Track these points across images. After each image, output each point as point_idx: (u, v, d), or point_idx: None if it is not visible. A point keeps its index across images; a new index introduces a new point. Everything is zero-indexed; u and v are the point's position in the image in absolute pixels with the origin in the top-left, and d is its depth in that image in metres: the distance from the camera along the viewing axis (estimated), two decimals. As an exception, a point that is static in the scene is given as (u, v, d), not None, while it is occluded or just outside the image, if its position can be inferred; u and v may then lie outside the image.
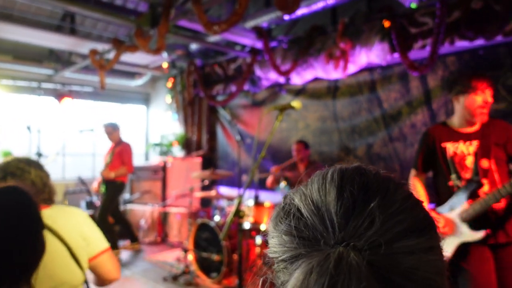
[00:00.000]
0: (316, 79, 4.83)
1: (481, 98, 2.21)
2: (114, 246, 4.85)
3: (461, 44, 3.45)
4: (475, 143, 2.22)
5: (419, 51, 3.72)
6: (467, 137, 2.26)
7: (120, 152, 5.04)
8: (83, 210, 5.81)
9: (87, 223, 1.59)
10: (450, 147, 2.30)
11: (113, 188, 4.95)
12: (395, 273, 0.37)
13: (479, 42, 3.36)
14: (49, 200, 1.59)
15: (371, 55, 3.95)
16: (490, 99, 2.22)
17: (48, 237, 1.44)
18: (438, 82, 3.92)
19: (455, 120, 2.35)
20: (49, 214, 1.50)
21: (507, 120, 2.42)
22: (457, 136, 2.29)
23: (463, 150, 2.25)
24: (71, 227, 1.52)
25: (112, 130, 5.12)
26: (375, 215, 0.40)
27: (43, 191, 1.55)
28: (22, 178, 1.51)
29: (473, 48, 3.60)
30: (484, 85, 2.22)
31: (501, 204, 2.09)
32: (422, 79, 4.03)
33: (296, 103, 1.95)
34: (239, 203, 2.02)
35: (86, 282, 1.58)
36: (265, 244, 0.49)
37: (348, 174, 0.45)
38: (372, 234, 0.38)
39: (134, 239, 5.37)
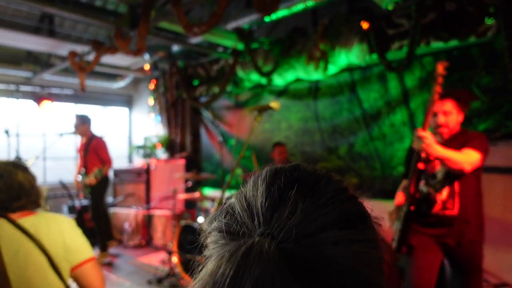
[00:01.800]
0: (297, 80, 4.88)
1: (436, 120, 2.30)
2: (111, 238, 5.01)
3: (436, 44, 3.54)
4: None
5: (397, 52, 3.81)
6: None
7: (95, 148, 4.88)
8: (65, 214, 5.69)
9: (71, 232, 1.54)
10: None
11: (96, 188, 4.88)
12: (314, 262, 0.37)
13: (454, 43, 3.46)
14: (36, 204, 1.55)
15: (350, 55, 4.02)
16: (442, 119, 2.28)
17: (29, 246, 1.41)
18: (415, 82, 4.01)
19: None
20: (32, 222, 1.47)
21: (482, 118, 2.50)
22: None
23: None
24: (54, 236, 1.47)
25: (79, 123, 4.88)
26: (297, 206, 0.40)
27: (31, 193, 1.52)
28: (10, 179, 1.48)
29: (448, 49, 3.71)
30: (439, 106, 2.30)
31: (454, 211, 2.20)
32: (400, 79, 4.12)
33: (274, 104, 1.97)
34: (220, 203, 2.04)
35: None
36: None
37: (280, 171, 0.47)
38: (292, 225, 0.39)
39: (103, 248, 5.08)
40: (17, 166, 1.54)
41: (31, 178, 1.55)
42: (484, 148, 2.17)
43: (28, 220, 1.47)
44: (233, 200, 0.47)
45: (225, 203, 0.49)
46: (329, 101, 4.79)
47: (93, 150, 4.89)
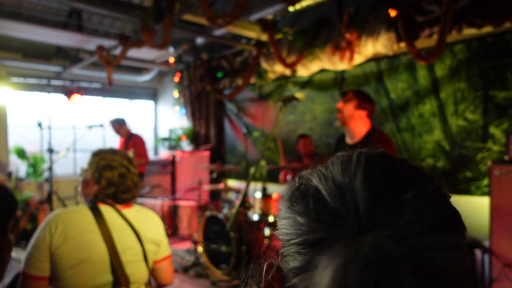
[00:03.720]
0: (322, 71, 4.81)
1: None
2: None
3: (469, 31, 3.40)
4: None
5: (426, 40, 3.67)
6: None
7: (134, 145, 5.08)
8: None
9: (161, 228, 1.67)
10: None
11: None
12: (422, 268, 0.33)
13: (488, 29, 3.31)
14: (136, 197, 1.67)
15: (377, 45, 3.91)
16: (338, 105, 2.51)
17: (130, 234, 1.54)
18: (446, 71, 3.87)
19: None
20: (133, 215, 1.60)
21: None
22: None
23: None
24: (149, 230, 1.60)
25: (118, 126, 5.16)
26: (407, 204, 0.36)
27: (138, 189, 1.65)
28: (127, 176, 1.59)
29: (482, 36, 3.55)
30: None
31: None
32: (429, 68, 3.99)
33: (299, 94, 1.95)
34: (245, 195, 2.05)
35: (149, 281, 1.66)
36: (274, 229, 0.45)
37: (375, 157, 0.42)
38: (402, 224, 0.35)
39: None
40: (130, 161, 1.65)
41: (137, 174, 1.67)
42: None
43: (130, 212, 1.60)
44: (314, 182, 0.42)
45: (301, 183, 0.44)
46: (355, 91, 4.69)
47: (132, 147, 5.06)
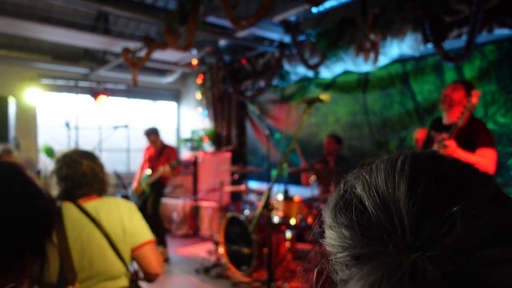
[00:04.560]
0: (345, 72, 4.75)
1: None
2: (162, 243, 4.87)
3: (500, 31, 3.27)
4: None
5: (455, 41, 3.57)
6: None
7: (168, 156, 5.03)
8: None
9: (130, 215, 1.64)
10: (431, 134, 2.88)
11: (157, 187, 5.00)
12: (474, 287, 0.31)
13: (520, 29, 3.18)
14: (101, 191, 1.68)
15: (403, 46, 3.83)
16: (447, 91, 2.77)
17: (91, 228, 1.53)
18: (475, 72, 3.75)
19: None
20: (94, 206, 1.60)
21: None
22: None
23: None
24: (114, 219, 1.59)
25: (155, 138, 5.14)
26: (456, 218, 0.33)
27: (94, 182, 1.64)
28: (75, 169, 1.61)
29: (514, 36, 3.42)
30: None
31: None
32: (458, 70, 3.87)
33: (324, 96, 1.93)
34: (268, 197, 2.04)
35: (134, 274, 1.64)
36: (320, 234, 0.44)
37: (421, 163, 0.39)
38: (451, 241, 0.32)
39: (163, 243, 5.00)
40: (84, 156, 1.67)
41: (96, 167, 1.67)
42: (493, 141, 2.43)
43: (91, 204, 1.60)
44: (358, 190, 0.40)
45: (345, 190, 0.42)
46: (379, 93, 4.61)
47: (165, 157, 5.02)
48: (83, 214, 1.55)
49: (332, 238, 0.41)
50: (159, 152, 5.12)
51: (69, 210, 1.56)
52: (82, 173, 1.61)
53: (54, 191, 1.65)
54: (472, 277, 0.32)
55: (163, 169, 4.76)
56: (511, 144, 3.50)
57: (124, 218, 1.61)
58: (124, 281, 1.61)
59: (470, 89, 2.71)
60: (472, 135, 2.55)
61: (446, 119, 2.82)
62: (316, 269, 0.45)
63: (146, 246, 1.63)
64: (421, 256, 0.32)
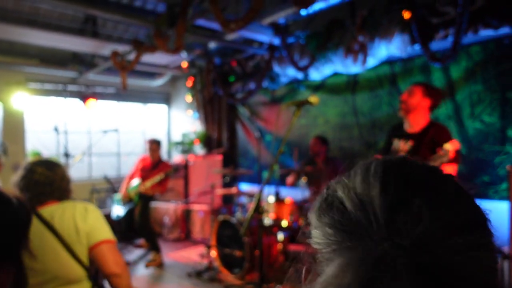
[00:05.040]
0: (335, 74, 4.78)
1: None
2: (155, 249, 4.81)
3: (485, 33, 3.33)
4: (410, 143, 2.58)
5: (441, 42, 3.62)
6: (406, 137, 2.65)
7: (163, 170, 4.93)
8: (109, 207, 5.90)
9: (85, 215, 1.60)
10: (395, 143, 2.72)
11: (146, 200, 4.94)
12: (442, 273, 0.36)
13: (505, 30, 3.24)
14: (60, 197, 1.66)
15: (391, 47, 3.87)
16: (404, 96, 2.64)
17: (47, 233, 1.52)
18: (461, 73, 3.81)
19: None
20: (50, 211, 1.59)
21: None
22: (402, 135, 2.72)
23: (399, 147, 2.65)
24: (66, 221, 1.57)
25: (156, 147, 5.12)
26: (422, 211, 0.38)
27: (51, 189, 1.63)
28: (28, 177, 1.62)
29: (498, 37, 3.48)
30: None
31: None
32: (444, 71, 3.93)
33: (313, 98, 1.94)
34: (259, 199, 2.04)
35: (94, 275, 1.60)
36: (304, 235, 0.49)
37: (391, 166, 0.44)
38: (419, 232, 0.37)
39: (155, 249, 4.89)
40: (39, 164, 1.66)
41: (50, 174, 1.65)
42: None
43: (47, 210, 1.60)
44: (339, 193, 0.45)
45: (328, 193, 0.47)
46: (368, 95, 4.66)
47: (159, 171, 4.92)
48: (38, 220, 1.53)
49: (317, 237, 0.45)
50: (155, 164, 5.09)
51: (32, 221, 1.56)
52: (35, 182, 1.61)
53: None
54: (437, 264, 0.36)
55: (159, 176, 4.75)
56: (497, 143, 3.56)
57: (78, 219, 1.58)
58: (86, 285, 1.58)
59: (431, 90, 2.63)
60: (437, 141, 2.48)
61: (407, 126, 2.73)
62: (305, 268, 0.49)
63: (103, 245, 1.58)
64: (391, 245, 0.37)
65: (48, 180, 1.63)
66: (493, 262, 0.40)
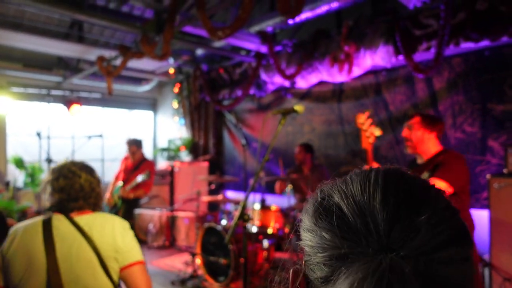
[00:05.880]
0: (321, 83, 4.84)
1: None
2: None
3: (466, 45, 3.43)
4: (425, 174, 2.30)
5: (424, 53, 3.71)
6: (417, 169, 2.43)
7: (148, 169, 4.79)
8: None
9: (123, 234, 1.59)
10: None
11: (130, 203, 4.84)
12: (435, 282, 0.38)
13: (485, 43, 3.34)
14: (95, 206, 1.65)
15: (376, 57, 3.95)
16: (406, 132, 2.47)
17: (82, 243, 1.49)
18: (444, 84, 3.90)
19: None
20: (87, 220, 1.56)
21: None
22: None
23: None
24: (106, 236, 1.54)
25: (136, 148, 4.96)
26: (421, 224, 0.40)
27: (90, 196, 1.62)
28: (73, 181, 1.59)
29: (479, 49, 3.59)
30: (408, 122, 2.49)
31: None
32: (427, 81, 4.02)
33: (298, 107, 1.96)
34: (244, 207, 2.04)
35: None
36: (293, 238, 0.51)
37: (391, 177, 0.45)
38: (417, 244, 0.39)
39: None
40: (83, 168, 1.65)
41: (94, 181, 1.65)
42: (452, 177, 2.15)
43: (83, 218, 1.57)
44: (336, 199, 0.46)
45: (322, 198, 0.48)
46: (354, 103, 4.72)
47: (141, 171, 4.79)
48: (75, 228, 1.51)
49: (310, 240, 0.46)
50: (136, 165, 4.97)
51: (60, 223, 1.52)
52: (80, 186, 1.59)
53: (46, 202, 1.61)
54: (430, 273, 0.38)
55: (135, 182, 4.62)
56: (478, 152, 3.64)
57: (117, 236, 1.56)
58: None
59: (430, 120, 2.43)
60: (438, 167, 2.27)
61: (420, 160, 2.51)
62: (292, 270, 0.50)
63: (135, 266, 1.57)
64: (396, 256, 0.39)
65: (91, 186, 1.63)
66: (474, 273, 0.42)
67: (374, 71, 4.40)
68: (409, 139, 2.44)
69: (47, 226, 1.49)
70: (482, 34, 3.28)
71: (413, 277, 0.37)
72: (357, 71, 4.19)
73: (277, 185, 4.45)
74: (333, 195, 0.47)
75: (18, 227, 1.52)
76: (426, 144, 2.39)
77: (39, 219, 1.54)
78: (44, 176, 1.64)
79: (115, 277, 1.55)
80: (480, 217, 3.41)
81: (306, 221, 0.48)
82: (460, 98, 3.78)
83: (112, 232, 1.56)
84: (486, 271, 3.07)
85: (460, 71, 3.78)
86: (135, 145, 4.99)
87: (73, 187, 1.58)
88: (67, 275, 1.45)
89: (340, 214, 0.44)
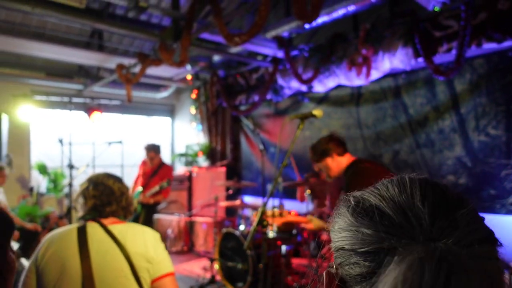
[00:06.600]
0: (338, 86, 4.79)
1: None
2: None
3: (489, 46, 3.34)
4: None
5: (445, 55, 3.63)
6: None
7: (163, 176, 4.89)
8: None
9: (155, 244, 1.61)
10: None
11: (149, 208, 4.90)
12: (476, 273, 0.40)
13: (508, 43, 3.25)
14: (126, 211, 1.71)
15: (394, 60, 3.89)
16: (325, 176, 2.55)
17: (116, 252, 1.51)
18: (466, 86, 3.80)
19: None
20: (120, 229, 1.58)
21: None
22: None
23: None
24: (138, 246, 1.56)
25: (154, 154, 5.02)
26: (459, 220, 0.43)
27: (121, 200, 1.68)
28: (103, 186, 1.66)
29: (502, 50, 3.49)
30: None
31: None
32: (448, 84, 3.93)
33: (317, 111, 1.94)
34: (262, 212, 2.02)
35: None
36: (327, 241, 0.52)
37: (425, 181, 0.49)
38: (457, 235, 0.42)
39: None
40: (110, 176, 1.74)
41: (122, 187, 1.72)
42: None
43: (117, 227, 1.60)
44: (374, 201, 0.48)
45: (356, 202, 0.50)
46: (372, 107, 4.66)
47: (160, 177, 4.87)
48: (109, 237, 1.53)
49: (348, 239, 0.47)
50: (155, 170, 5.02)
51: (95, 230, 1.55)
52: (110, 189, 1.66)
53: (79, 212, 1.68)
54: (479, 263, 0.41)
55: (154, 189, 4.66)
56: (503, 156, 3.53)
57: (149, 247, 1.58)
58: None
59: (316, 149, 2.57)
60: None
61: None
62: (325, 272, 0.52)
63: (167, 278, 1.58)
64: (446, 244, 0.41)
65: (121, 190, 1.70)
66: (503, 273, 0.45)
67: (393, 74, 4.33)
68: (330, 175, 2.50)
69: (82, 234, 1.52)
70: (505, 34, 3.18)
71: (469, 261, 0.39)
72: (375, 74, 4.13)
73: (298, 193, 4.42)
74: (369, 199, 0.49)
75: (53, 235, 1.55)
76: (336, 168, 2.46)
77: (73, 226, 1.57)
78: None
79: (146, 287, 1.56)
80: (507, 223, 3.30)
81: (341, 222, 0.50)
82: (483, 100, 3.67)
83: (144, 242, 1.58)
84: (514, 279, 2.96)
85: (483, 73, 3.68)
86: (153, 150, 5.04)
87: (104, 192, 1.65)
88: (101, 283, 1.46)
89: (380, 213, 0.46)
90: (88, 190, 1.65)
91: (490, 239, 0.44)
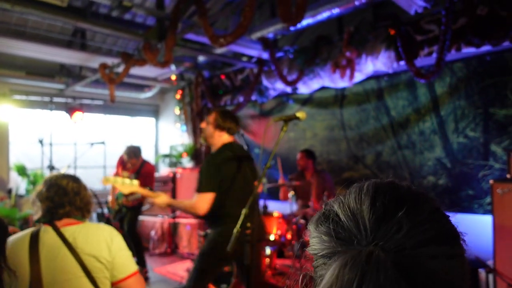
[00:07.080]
0: (323, 88, 4.84)
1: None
2: (141, 263, 4.62)
3: (468, 50, 3.43)
4: None
5: (426, 58, 3.71)
6: None
7: (145, 176, 4.78)
8: (94, 221, 5.79)
9: (111, 244, 1.55)
10: None
11: (134, 210, 4.80)
12: (418, 273, 0.43)
13: (486, 48, 3.34)
14: (82, 211, 1.64)
15: (377, 63, 3.95)
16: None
17: (67, 254, 1.47)
18: (446, 89, 3.90)
19: None
20: (73, 231, 1.54)
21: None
22: None
23: None
24: (90, 247, 1.51)
25: (136, 160, 4.84)
26: (403, 222, 0.45)
27: (75, 200, 1.62)
28: (55, 188, 1.61)
29: (480, 54, 3.59)
30: None
31: None
32: (429, 86, 4.02)
33: (300, 114, 1.95)
34: (245, 214, 2.03)
35: None
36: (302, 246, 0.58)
37: (381, 186, 0.52)
38: (399, 238, 0.44)
39: (141, 263, 4.74)
40: (66, 176, 1.68)
41: (77, 186, 1.66)
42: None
43: (70, 229, 1.55)
44: (335, 208, 0.53)
45: (326, 209, 0.55)
46: (355, 109, 4.72)
47: (142, 177, 4.71)
48: (60, 239, 1.49)
49: (315, 244, 0.52)
50: (137, 170, 4.92)
51: (47, 234, 1.51)
52: (64, 190, 1.61)
53: (35, 216, 1.63)
54: (413, 264, 0.43)
55: (136, 196, 4.55)
56: (481, 158, 3.63)
57: (103, 246, 1.53)
58: None
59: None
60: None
61: None
62: (302, 275, 0.56)
63: (130, 279, 1.55)
64: (375, 247, 0.44)
65: (75, 190, 1.64)
66: (463, 270, 0.47)
67: (376, 76, 4.41)
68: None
69: (34, 238, 1.49)
70: (484, 39, 3.28)
71: (389, 265, 0.42)
72: (358, 77, 4.19)
73: (281, 192, 4.43)
74: (334, 206, 0.53)
75: (8, 241, 1.52)
76: (216, 140, 2.75)
77: (28, 231, 1.54)
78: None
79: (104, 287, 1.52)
80: (484, 222, 3.39)
81: (310, 229, 0.55)
82: (462, 103, 3.77)
83: (97, 242, 1.53)
84: (490, 277, 3.04)
85: (462, 76, 3.78)
86: (134, 157, 4.86)
87: (57, 194, 1.60)
88: (51, 286, 1.43)
89: (336, 220, 0.51)
90: (41, 192, 1.61)
91: (439, 239, 0.45)
